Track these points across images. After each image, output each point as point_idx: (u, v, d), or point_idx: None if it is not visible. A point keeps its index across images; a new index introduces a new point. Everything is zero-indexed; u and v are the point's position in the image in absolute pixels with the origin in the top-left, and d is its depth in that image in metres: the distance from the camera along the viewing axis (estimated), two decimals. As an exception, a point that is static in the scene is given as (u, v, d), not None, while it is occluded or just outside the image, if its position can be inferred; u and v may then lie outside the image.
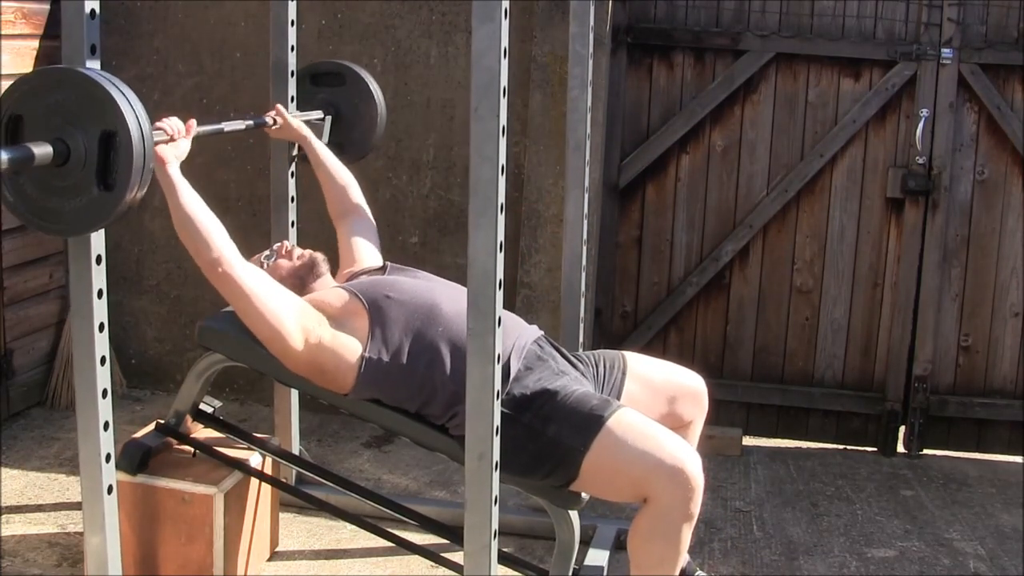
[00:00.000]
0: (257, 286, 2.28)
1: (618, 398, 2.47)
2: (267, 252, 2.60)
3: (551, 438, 2.25)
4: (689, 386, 2.61)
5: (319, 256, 2.60)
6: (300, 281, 2.53)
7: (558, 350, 2.49)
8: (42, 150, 1.73)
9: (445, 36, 3.78)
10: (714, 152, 3.93)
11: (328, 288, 2.52)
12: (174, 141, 2.27)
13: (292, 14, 2.95)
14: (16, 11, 3.54)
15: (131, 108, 1.74)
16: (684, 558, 2.30)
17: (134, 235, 4.02)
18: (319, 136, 2.96)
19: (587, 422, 2.23)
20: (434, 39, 3.79)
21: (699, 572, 2.58)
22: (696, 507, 2.19)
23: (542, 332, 2.52)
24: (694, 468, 2.18)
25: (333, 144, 3.03)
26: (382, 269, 2.64)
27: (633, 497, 2.24)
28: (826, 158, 3.85)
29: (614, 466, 2.22)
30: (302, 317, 2.32)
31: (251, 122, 2.81)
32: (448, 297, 2.41)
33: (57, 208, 1.80)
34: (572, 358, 2.50)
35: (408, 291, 2.41)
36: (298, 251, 2.60)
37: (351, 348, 2.33)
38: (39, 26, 3.65)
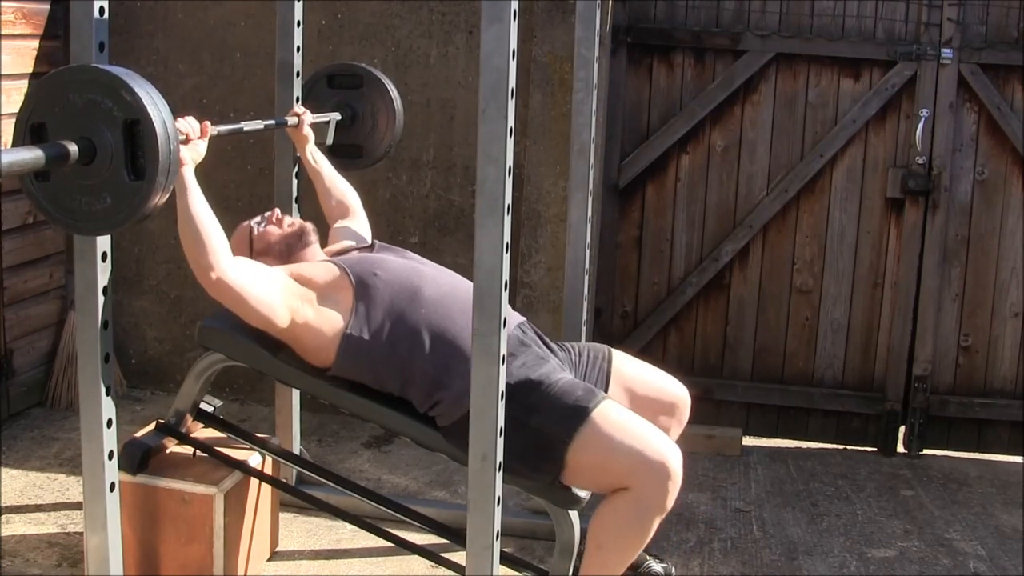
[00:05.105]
0: (246, 284, 2.30)
1: (604, 387, 2.47)
2: (258, 219, 2.64)
3: (535, 428, 2.24)
4: (672, 393, 2.57)
5: (309, 225, 2.64)
6: (288, 248, 2.58)
7: (539, 336, 2.49)
8: (69, 148, 1.70)
9: (445, 36, 3.77)
10: (714, 152, 3.93)
11: (316, 260, 2.55)
12: (190, 142, 2.26)
13: (299, 14, 2.94)
14: (16, 11, 3.53)
15: (151, 97, 1.72)
16: None
17: (134, 235, 4.01)
18: (324, 137, 2.94)
19: (571, 413, 2.23)
20: (434, 39, 3.78)
21: (648, 561, 2.62)
22: (671, 502, 2.21)
23: (524, 318, 2.52)
24: (676, 464, 2.20)
25: (351, 146, 3.02)
26: (370, 247, 2.67)
27: (615, 489, 2.24)
28: (826, 158, 3.85)
29: (597, 459, 2.23)
30: (288, 298, 2.36)
31: (271, 122, 2.78)
32: (433, 281, 2.44)
33: (89, 206, 1.77)
34: (553, 345, 2.50)
35: (394, 271, 2.44)
36: (288, 219, 2.64)
37: (333, 322, 2.37)
38: (39, 26, 3.65)
